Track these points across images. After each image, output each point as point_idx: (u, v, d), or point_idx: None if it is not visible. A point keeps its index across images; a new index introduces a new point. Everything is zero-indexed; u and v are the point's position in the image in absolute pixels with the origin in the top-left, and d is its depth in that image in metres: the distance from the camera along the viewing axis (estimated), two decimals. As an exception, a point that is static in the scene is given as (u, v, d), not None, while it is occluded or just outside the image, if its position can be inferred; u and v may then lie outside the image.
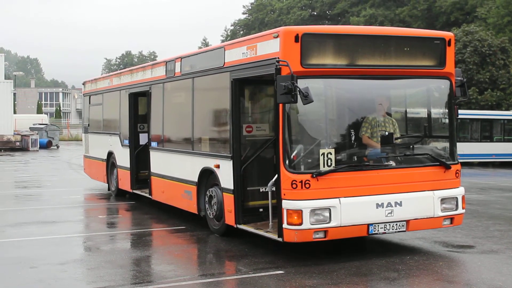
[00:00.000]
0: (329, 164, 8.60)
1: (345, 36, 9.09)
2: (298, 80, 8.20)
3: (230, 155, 10.02)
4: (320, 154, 8.61)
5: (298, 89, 8.15)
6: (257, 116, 10.79)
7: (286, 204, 8.48)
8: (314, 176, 8.48)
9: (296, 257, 9.17)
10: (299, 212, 8.37)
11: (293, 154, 8.58)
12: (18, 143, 41.56)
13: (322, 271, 8.38)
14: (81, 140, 20.96)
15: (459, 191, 9.61)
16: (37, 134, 43.75)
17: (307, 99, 8.14)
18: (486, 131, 33.76)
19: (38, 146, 42.75)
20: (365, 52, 9.10)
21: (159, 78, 13.29)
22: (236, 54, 9.95)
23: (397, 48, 9.32)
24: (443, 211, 9.40)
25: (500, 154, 33.30)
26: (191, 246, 10.58)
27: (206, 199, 11.01)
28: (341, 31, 9.25)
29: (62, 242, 10.69)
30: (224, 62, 10.31)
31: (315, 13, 74.77)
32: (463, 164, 10.26)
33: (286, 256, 9.24)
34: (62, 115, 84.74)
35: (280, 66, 8.39)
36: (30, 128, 46.19)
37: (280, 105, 8.45)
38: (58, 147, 45.90)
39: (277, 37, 8.71)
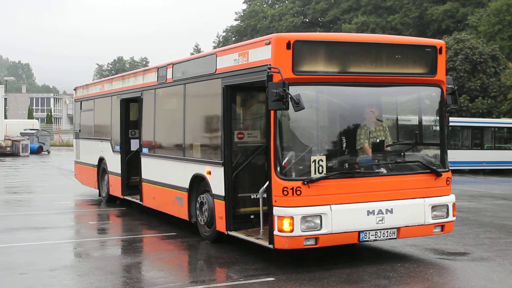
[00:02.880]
0: (320, 171, 8.60)
1: (336, 44, 9.11)
2: (290, 87, 8.20)
3: (222, 161, 10.01)
4: (312, 161, 8.61)
5: (289, 96, 8.15)
6: (249, 122, 10.79)
7: (277, 211, 8.47)
8: (305, 183, 8.47)
9: (287, 264, 9.16)
10: (290, 219, 8.37)
11: (285, 161, 8.57)
12: (8, 148, 41.41)
13: (312, 278, 8.37)
14: (72, 146, 20.90)
15: (449, 199, 9.63)
16: (28, 139, 43.59)
17: (298, 106, 8.15)
18: (477, 138, 33.85)
19: (29, 151, 42.62)
20: (357, 59, 9.12)
21: (151, 84, 13.27)
22: (228, 61, 9.95)
23: (389, 55, 9.34)
24: (434, 219, 9.42)
25: (491, 162, 33.42)
26: (182, 252, 10.55)
27: (197, 205, 10.99)
28: (333, 39, 9.26)
29: (52, 248, 10.64)
30: (216, 69, 10.31)
31: (307, 20, 75.01)
32: (454, 172, 10.29)
33: (277, 263, 9.24)
34: (53, 120, 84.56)
35: (271, 73, 8.38)
36: (21, 133, 46.01)
37: (272, 112, 8.45)
38: (49, 152, 45.74)
39: (269, 44, 8.72)
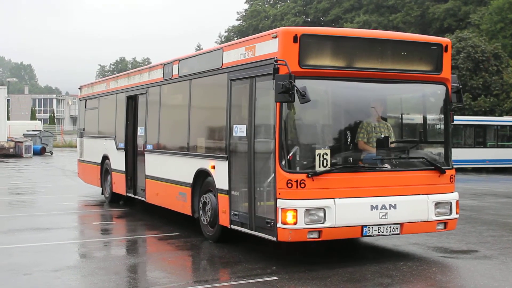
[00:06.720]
0: (324, 164, 8.59)
1: (343, 38, 9.10)
2: (296, 80, 8.21)
3: (226, 155, 9.99)
4: (316, 154, 8.60)
5: (295, 88, 8.16)
6: None
7: (281, 204, 8.46)
8: (310, 176, 8.46)
9: (290, 263, 9.14)
10: (294, 212, 8.36)
11: (289, 154, 8.55)
12: (11, 150, 41.39)
13: (315, 277, 8.35)
14: (75, 147, 20.91)
15: (453, 196, 9.59)
16: (30, 140, 43.60)
17: (304, 98, 8.16)
18: (479, 137, 33.79)
19: (32, 152, 42.60)
20: (363, 54, 9.11)
21: (157, 80, 13.26)
22: (234, 55, 9.94)
23: (395, 52, 9.33)
24: (437, 216, 9.38)
25: (494, 160, 33.36)
26: (185, 252, 10.52)
27: (200, 205, 10.96)
28: (340, 33, 9.25)
29: (56, 249, 10.61)
30: (222, 63, 10.29)
31: (309, 20, 75.04)
32: (457, 170, 10.26)
33: (280, 262, 9.21)
34: (56, 121, 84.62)
35: (278, 66, 8.38)
36: (23, 134, 46.03)
37: (277, 105, 8.45)
38: (52, 153, 45.74)
39: (276, 37, 8.72)
